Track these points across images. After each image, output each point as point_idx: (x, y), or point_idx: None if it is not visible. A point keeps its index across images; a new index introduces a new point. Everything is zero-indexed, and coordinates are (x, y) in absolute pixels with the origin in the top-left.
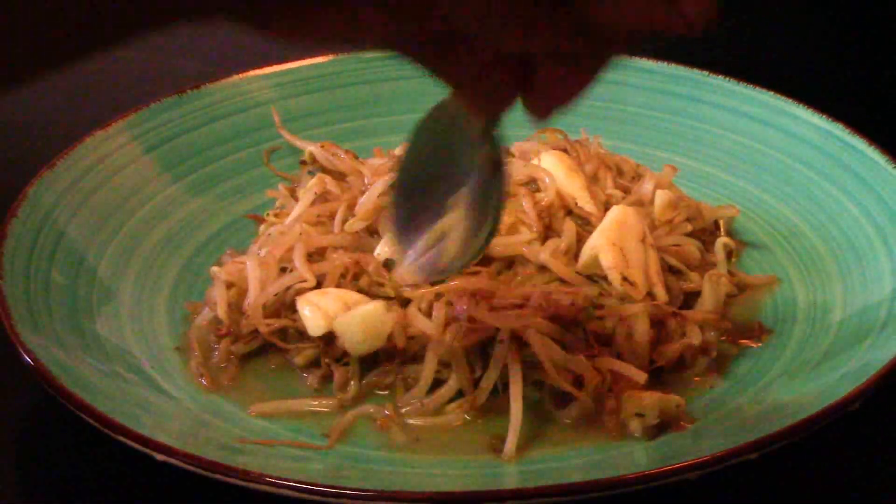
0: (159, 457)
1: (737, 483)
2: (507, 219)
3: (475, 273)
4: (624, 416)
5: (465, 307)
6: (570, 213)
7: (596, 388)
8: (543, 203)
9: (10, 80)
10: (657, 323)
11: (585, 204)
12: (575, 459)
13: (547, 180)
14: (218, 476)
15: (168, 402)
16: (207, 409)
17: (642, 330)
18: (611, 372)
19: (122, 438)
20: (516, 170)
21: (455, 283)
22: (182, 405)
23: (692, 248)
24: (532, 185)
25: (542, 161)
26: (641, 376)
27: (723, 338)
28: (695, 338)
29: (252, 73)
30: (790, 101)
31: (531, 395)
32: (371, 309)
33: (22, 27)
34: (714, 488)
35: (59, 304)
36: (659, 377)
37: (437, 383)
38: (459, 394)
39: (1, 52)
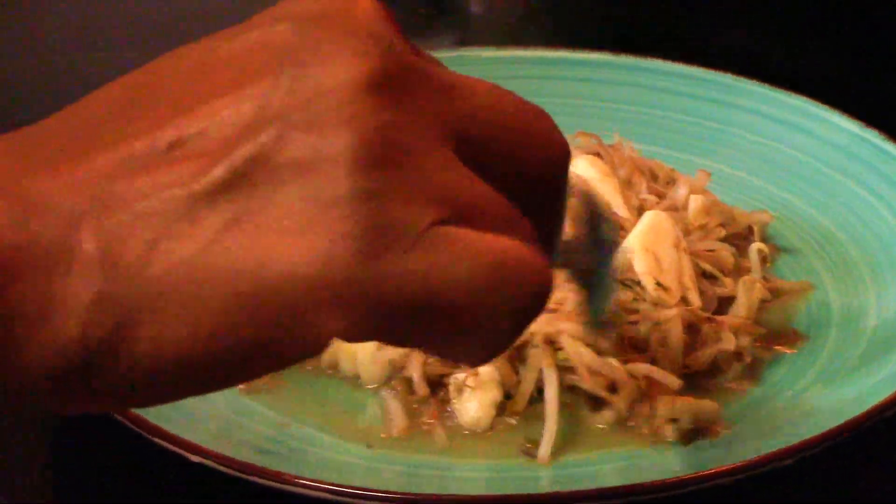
0: (193, 458)
1: (769, 490)
2: None
3: None
4: (658, 421)
5: None
6: None
7: (630, 393)
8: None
9: None
10: (691, 328)
11: (619, 209)
12: (609, 464)
13: (579, 185)
14: (252, 478)
15: (202, 404)
16: (242, 411)
17: (676, 336)
18: (645, 378)
19: (156, 440)
20: None
21: None
22: (216, 407)
23: (726, 253)
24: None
25: (576, 166)
26: (676, 382)
27: (757, 343)
28: (728, 343)
29: None
30: (824, 106)
31: (565, 399)
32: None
33: None
34: (746, 495)
35: None
36: (693, 382)
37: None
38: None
39: None
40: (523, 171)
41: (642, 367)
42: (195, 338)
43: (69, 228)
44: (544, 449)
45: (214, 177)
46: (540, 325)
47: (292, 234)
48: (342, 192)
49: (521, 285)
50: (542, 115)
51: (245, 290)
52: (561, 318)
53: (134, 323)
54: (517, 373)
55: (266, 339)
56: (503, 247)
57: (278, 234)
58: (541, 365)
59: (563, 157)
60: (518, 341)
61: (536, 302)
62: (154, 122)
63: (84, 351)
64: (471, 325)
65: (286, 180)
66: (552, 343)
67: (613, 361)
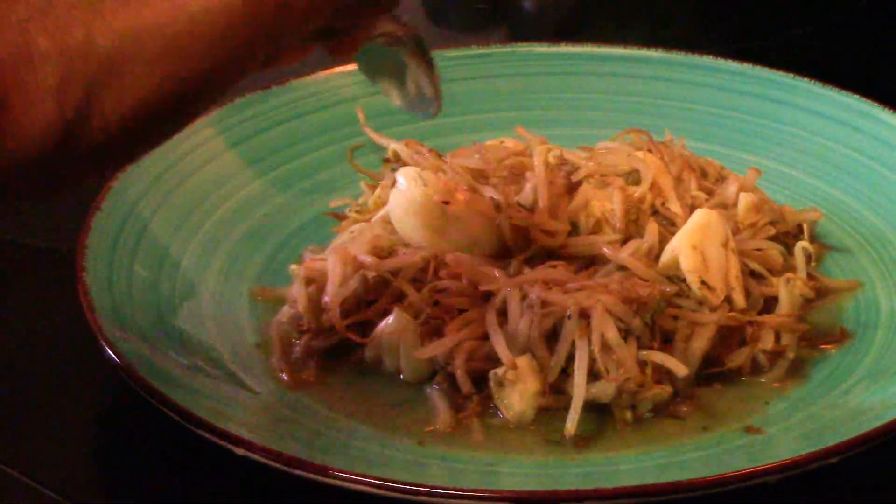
0: (239, 451)
1: (812, 489)
2: (591, 217)
3: (553, 267)
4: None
5: (538, 294)
6: (655, 212)
7: (627, 381)
8: (635, 196)
9: None
10: (734, 329)
11: (672, 204)
12: (650, 461)
13: (645, 173)
14: (298, 471)
15: (249, 398)
16: (288, 404)
17: (702, 342)
18: (653, 365)
19: (202, 433)
20: (618, 160)
21: (531, 274)
22: (263, 400)
23: (775, 252)
24: (629, 177)
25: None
26: (682, 369)
27: (802, 342)
28: (767, 342)
29: (338, 69)
30: (875, 104)
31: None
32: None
33: None
34: (790, 494)
35: (141, 299)
36: (735, 381)
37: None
38: None
39: None
40: None
41: (656, 356)
42: (151, 83)
43: (22, 33)
44: (571, 422)
45: None
46: (577, 298)
47: None
48: None
49: None
50: None
51: (180, 31)
52: (599, 290)
53: (98, 88)
54: (552, 353)
55: (210, 66)
56: None
57: None
58: (573, 337)
59: None
60: (557, 320)
61: None
62: None
63: (62, 121)
64: None
65: None
66: (587, 317)
67: (630, 346)
